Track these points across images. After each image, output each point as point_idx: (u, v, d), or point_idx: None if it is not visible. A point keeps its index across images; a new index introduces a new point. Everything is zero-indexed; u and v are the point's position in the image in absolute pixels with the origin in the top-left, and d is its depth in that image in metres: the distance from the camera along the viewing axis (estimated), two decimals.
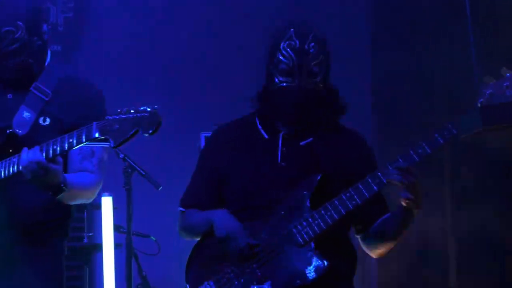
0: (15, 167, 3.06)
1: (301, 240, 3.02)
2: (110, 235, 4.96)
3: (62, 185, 3.08)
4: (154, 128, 2.85)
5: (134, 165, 4.75)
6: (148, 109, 2.85)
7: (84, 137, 2.95)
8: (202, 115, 6.04)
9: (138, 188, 4.86)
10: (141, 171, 4.78)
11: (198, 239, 3.24)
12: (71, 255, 6.02)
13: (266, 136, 3.21)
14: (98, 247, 5.22)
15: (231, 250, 3.04)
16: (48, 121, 3.24)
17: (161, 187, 4.86)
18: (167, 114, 7.16)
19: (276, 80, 3.13)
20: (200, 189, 3.29)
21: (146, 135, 2.87)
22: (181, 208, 3.33)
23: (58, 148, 3.00)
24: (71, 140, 2.97)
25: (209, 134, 3.58)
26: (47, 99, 3.25)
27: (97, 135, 2.92)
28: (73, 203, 3.31)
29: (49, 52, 3.42)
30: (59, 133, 3.08)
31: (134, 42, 6.88)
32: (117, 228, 5.11)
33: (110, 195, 4.89)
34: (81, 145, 2.99)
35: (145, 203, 5.10)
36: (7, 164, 3.10)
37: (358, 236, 3.23)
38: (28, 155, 3.00)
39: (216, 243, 3.10)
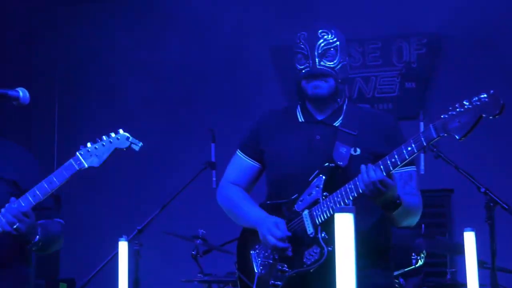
0: (354, 192, 3.19)
1: None
2: (474, 271, 4.84)
3: (398, 201, 3.19)
4: (499, 110, 2.91)
5: (497, 199, 4.62)
6: (486, 94, 2.92)
7: (424, 140, 3.06)
8: None
9: (501, 222, 4.72)
10: (503, 204, 4.64)
11: None
12: None
13: None
14: (462, 286, 5.14)
15: None
16: (359, 151, 3.36)
17: None
18: None
19: None
20: None
21: (491, 117, 2.92)
22: None
23: (398, 160, 3.11)
24: (409, 148, 3.09)
25: None
26: (355, 133, 3.39)
27: (435, 135, 3.02)
28: (402, 223, 3.38)
29: None
30: (371, 161, 3.20)
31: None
32: (480, 264, 4.99)
33: (472, 230, 4.79)
34: (421, 149, 3.08)
35: (509, 238, 4.92)
36: (344, 194, 3.22)
37: None
38: (369, 175, 3.11)
39: None
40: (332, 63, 3.39)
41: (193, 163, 5.78)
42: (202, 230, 5.77)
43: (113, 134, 3.29)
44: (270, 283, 3.36)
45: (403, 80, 7.23)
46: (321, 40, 3.40)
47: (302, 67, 3.42)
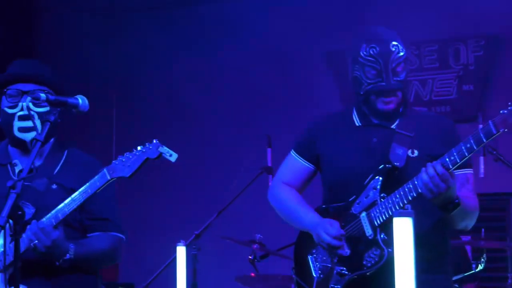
0: (413, 192, 3.17)
1: None
2: None
3: (456, 200, 3.16)
4: None
5: None
6: None
7: (483, 136, 3.02)
8: None
9: None
10: None
11: None
12: None
13: None
14: None
15: None
16: (416, 153, 3.34)
17: None
18: None
19: None
20: None
21: None
22: None
23: (457, 157, 3.09)
24: (468, 145, 3.06)
25: None
26: (412, 135, 3.36)
27: (495, 130, 2.97)
28: (459, 225, 3.35)
29: None
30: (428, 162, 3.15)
31: None
32: None
33: None
34: (480, 145, 3.05)
35: None
36: (402, 194, 3.20)
37: None
38: (428, 172, 3.09)
39: None
40: (402, 77, 3.37)
41: (249, 168, 5.80)
42: (259, 235, 5.78)
43: (146, 144, 3.16)
44: (330, 286, 3.35)
45: (460, 82, 7.16)
46: (394, 55, 3.35)
47: (372, 81, 3.36)
